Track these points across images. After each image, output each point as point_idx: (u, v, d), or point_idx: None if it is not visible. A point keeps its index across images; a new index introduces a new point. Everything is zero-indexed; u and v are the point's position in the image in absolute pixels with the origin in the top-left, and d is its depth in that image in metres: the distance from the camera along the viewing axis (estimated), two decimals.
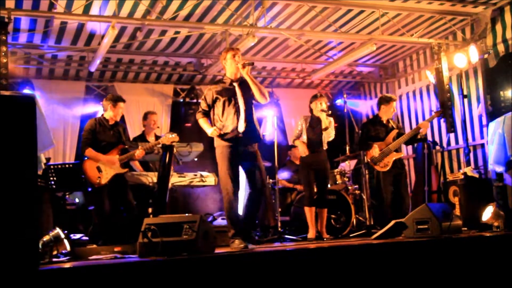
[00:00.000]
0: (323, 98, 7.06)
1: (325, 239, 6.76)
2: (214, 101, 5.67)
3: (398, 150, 7.31)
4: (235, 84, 5.67)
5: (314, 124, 7.02)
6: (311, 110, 7.11)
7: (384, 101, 7.45)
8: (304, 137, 7.02)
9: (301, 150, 6.96)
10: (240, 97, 5.61)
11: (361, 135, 7.63)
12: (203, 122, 5.71)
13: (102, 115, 7.03)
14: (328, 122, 6.93)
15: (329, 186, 7.91)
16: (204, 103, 5.73)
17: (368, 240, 5.79)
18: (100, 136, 6.82)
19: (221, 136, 5.51)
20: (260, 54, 9.97)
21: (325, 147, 7.00)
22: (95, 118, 7.09)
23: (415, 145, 9.71)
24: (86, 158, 6.81)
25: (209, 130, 5.56)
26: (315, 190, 6.98)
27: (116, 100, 6.92)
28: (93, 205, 7.17)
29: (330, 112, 6.99)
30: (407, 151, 10.49)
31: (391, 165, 7.20)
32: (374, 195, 7.69)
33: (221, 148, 5.54)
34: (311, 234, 6.86)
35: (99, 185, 6.64)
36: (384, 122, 7.45)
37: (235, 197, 5.46)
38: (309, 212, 6.89)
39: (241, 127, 5.50)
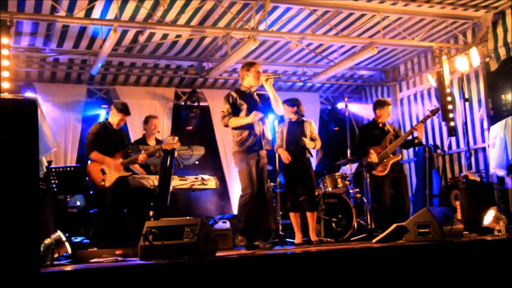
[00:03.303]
0: (286, 105, 6.89)
1: (314, 243, 6.72)
2: (238, 105, 6.08)
3: (395, 153, 7.31)
4: (254, 94, 6.17)
5: (292, 129, 6.91)
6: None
7: (379, 105, 7.50)
8: (284, 145, 6.91)
9: (283, 157, 6.76)
10: (260, 107, 6.10)
11: (358, 140, 7.64)
12: (235, 120, 6.06)
13: (107, 119, 7.12)
14: (311, 130, 6.87)
15: (330, 189, 7.93)
16: (227, 105, 6.10)
17: (369, 244, 5.78)
18: (105, 139, 6.92)
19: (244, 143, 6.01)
20: (261, 58, 9.98)
21: (311, 153, 6.87)
22: (100, 122, 7.21)
23: (416, 149, 9.71)
24: (90, 161, 6.86)
25: (250, 117, 5.97)
26: (301, 194, 6.91)
27: (119, 110, 7.01)
28: (96, 208, 7.19)
29: (295, 113, 6.88)
30: (408, 154, 10.50)
31: (388, 168, 7.20)
32: (375, 198, 7.68)
33: (242, 154, 6.03)
34: (298, 239, 6.80)
35: (103, 187, 6.70)
36: (380, 126, 7.45)
37: (253, 198, 5.96)
38: (293, 218, 6.81)
39: (261, 136, 6.06)
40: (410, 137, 7.42)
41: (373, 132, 7.45)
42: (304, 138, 6.75)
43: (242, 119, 6.04)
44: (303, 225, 6.86)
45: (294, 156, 6.76)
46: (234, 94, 6.13)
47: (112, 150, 6.94)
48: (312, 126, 6.98)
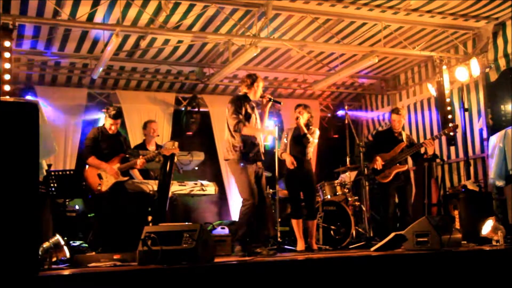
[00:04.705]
0: (302, 108, 6.97)
1: (314, 251, 6.73)
2: (248, 113, 6.04)
3: (402, 163, 7.32)
4: (253, 105, 6.17)
5: (297, 135, 6.96)
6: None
7: (391, 112, 7.66)
8: (288, 150, 6.94)
9: (288, 162, 6.80)
10: (261, 120, 6.19)
11: (370, 145, 7.68)
12: (249, 129, 6.00)
13: (104, 124, 7.13)
14: (311, 131, 6.91)
15: (329, 197, 7.93)
16: (240, 113, 5.98)
17: (367, 252, 5.79)
18: (102, 144, 6.93)
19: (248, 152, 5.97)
20: (262, 64, 10.01)
21: (309, 157, 6.91)
22: (98, 127, 7.24)
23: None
24: (87, 166, 6.88)
25: (267, 131, 6.32)
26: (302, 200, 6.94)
27: (109, 115, 7.01)
28: (93, 212, 7.19)
29: (299, 120, 6.90)
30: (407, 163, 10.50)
31: (392, 177, 7.21)
32: (375, 206, 7.69)
33: (243, 163, 5.95)
34: (300, 246, 6.80)
35: (99, 192, 6.71)
36: (396, 133, 7.48)
37: (254, 208, 5.91)
38: (296, 224, 6.82)
39: (261, 147, 6.09)
40: (420, 151, 7.45)
41: (386, 139, 7.50)
42: (302, 125, 6.80)
43: (256, 130, 6.06)
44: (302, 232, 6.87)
45: (297, 161, 6.79)
46: (244, 101, 6.05)
47: (109, 154, 6.94)
48: (316, 134, 7.00)
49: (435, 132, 9.77)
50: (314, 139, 6.88)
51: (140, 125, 9.13)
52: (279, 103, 6.43)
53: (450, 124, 8.13)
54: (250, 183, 5.91)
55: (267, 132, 6.28)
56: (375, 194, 7.87)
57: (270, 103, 6.19)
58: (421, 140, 9.46)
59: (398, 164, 7.27)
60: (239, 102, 6.01)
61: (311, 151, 6.96)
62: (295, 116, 6.95)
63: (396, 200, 7.43)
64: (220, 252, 6.46)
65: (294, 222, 6.85)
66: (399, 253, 5.39)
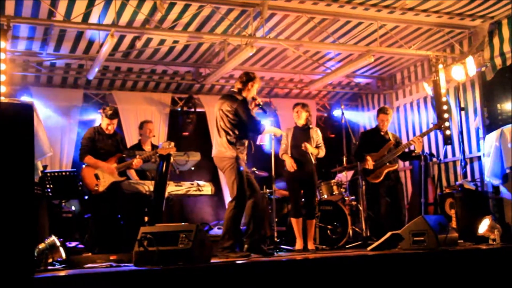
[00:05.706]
0: (300, 107, 6.98)
1: (311, 251, 6.74)
2: None
3: (392, 162, 7.34)
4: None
5: (297, 135, 6.96)
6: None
7: (379, 111, 7.62)
8: (289, 151, 6.95)
9: (288, 165, 6.83)
10: None
11: (357, 145, 7.68)
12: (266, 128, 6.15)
13: (100, 124, 7.15)
14: (313, 130, 6.94)
15: (325, 197, 7.93)
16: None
17: (364, 252, 5.79)
18: (99, 144, 6.95)
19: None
20: (258, 64, 10.00)
21: (309, 157, 6.87)
22: (94, 127, 7.25)
23: None
24: (84, 166, 6.88)
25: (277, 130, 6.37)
26: (302, 201, 6.94)
27: (105, 115, 7.05)
28: (89, 213, 7.18)
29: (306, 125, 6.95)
30: (403, 163, 10.50)
31: (383, 177, 7.22)
32: (371, 206, 7.71)
33: (241, 163, 5.87)
34: (298, 245, 6.82)
35: (96, 192, 6.70)
36: (382, 133, 7.49)
37: (243, 211, 5.79)
38: (295, 224, 6.84)
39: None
40: (408, 149, 7.46)
41: (373, 139, 7.51)
42: (306, 144, 6.77)
43: (274, 129, 6.37)
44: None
45: (298, 162, 6.78)
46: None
47: (106, 154, 6.95)
48: (318, 134, 7.01)
49: (432, 132, 9.77)
50: (321, 149, 6.90)
51: (136, 126, 9.12)
52: (266, 112, 6.32)
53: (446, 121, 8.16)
54: (243, 182, 5.81)
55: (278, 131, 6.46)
56: (369, 194, 7.88)
57: (256, 108, 6.08)
58: None
59: (388, 164, 7.28)
60: (246, 102, 5.92)
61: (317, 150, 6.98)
62: (295, 119, 6.96)
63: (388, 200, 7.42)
64: (217, 253, 6.44)
65: (293, 221, 6.86)
66: (396, 253, 5.40)
